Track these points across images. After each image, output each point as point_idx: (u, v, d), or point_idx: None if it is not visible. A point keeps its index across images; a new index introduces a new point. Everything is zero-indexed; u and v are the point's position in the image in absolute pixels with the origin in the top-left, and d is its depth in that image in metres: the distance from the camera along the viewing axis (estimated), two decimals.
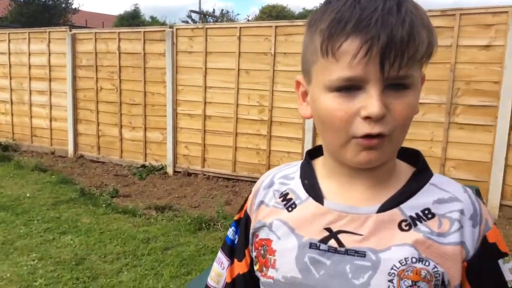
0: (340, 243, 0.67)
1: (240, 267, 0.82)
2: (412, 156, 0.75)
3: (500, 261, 0.69)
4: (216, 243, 3.89)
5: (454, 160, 4.63)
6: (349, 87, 0.62)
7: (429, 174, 0.72)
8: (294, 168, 0.80)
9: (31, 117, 7.35)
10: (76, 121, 6.97)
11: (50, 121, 7.18)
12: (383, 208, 0.68)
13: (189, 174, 6.04)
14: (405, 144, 0.70)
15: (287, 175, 0.79)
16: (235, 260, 0.83)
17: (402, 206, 0.68)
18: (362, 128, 0.62)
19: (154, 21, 29.70)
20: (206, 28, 5.81)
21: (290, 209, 0.74)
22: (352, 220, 0.68)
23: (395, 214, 0.67)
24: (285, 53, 5.32)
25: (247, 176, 5.70)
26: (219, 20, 26.79)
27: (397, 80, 0.61)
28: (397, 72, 0.60)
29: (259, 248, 0.76)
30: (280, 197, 0.76)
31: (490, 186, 4.46)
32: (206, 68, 5.80)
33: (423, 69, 0.67)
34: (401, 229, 0.66)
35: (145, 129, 6.38)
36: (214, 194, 5.34)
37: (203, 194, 5.33)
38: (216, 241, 3.95)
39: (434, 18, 4.55)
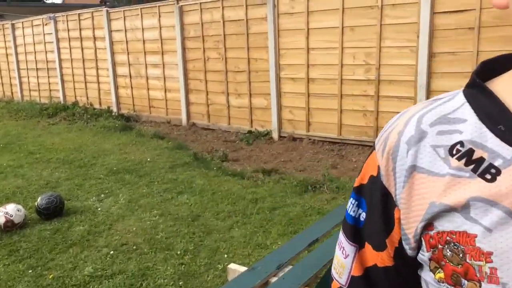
0: None
1: (379, 258, 0.55)
2: None
3: None
4: (322, 205, 3.86)
5: None
6: None
7: None
8: (451, 104, 0.49)
9: (148, 89, 7.94)
10: (187, 91, 7.37)
11: (165, 92, 7.69)
12: None
13: (294, 139, 6.04)
14: None
15: (445, 116, 0.49)
16: (367, 246, 0.56)
17: None
18: None
19: None
20: None
21: (489, 176, 0.44)
22: None
23: None
24: (393, 4, 4.93)
25: (353, 139, 5.52)
26: None
27: None
28: None
29: (441, 246, 0.47)
30: (458, 157, 0.46)
31: None
32: (308, 29, 5.65)
33: None
34: None
35: (250, 95, 6.49)
36: (320, 158, 5.28)
37: (308, 158, 5.30)
38: (322, 202, 3.92)
39: None
